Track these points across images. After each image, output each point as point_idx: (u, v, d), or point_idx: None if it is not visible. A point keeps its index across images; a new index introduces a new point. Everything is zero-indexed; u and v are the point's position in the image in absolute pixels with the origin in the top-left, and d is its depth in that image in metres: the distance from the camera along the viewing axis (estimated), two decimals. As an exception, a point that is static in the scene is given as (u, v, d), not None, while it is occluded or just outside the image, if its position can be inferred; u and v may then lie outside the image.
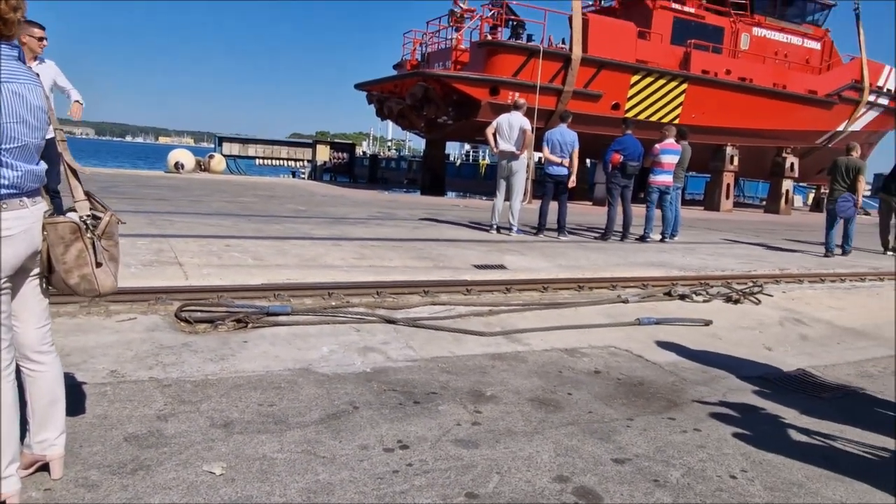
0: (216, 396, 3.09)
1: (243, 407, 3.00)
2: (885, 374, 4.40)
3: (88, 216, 2.15)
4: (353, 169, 27.42)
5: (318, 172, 25.82)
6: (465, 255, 7.01)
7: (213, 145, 25.57)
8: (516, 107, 9.36)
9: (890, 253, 10.45)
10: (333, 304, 4.72)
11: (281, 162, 26.91)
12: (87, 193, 2.19)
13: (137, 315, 4.11)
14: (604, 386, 3.71)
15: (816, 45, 22.31)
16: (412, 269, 6.01)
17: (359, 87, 21.18)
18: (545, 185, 9.70)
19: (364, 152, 60.29)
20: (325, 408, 3.06)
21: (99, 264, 2.12)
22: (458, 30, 19.37)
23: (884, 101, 22.99)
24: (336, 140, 41.05)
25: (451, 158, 54.43)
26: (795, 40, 21.74)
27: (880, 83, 22.73)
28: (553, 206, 9.61)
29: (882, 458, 2.99)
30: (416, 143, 71.38)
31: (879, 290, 7.29)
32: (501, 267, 6.60)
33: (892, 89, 23.35)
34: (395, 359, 3.84)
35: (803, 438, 3.15)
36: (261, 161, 26.26)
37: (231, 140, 25.31)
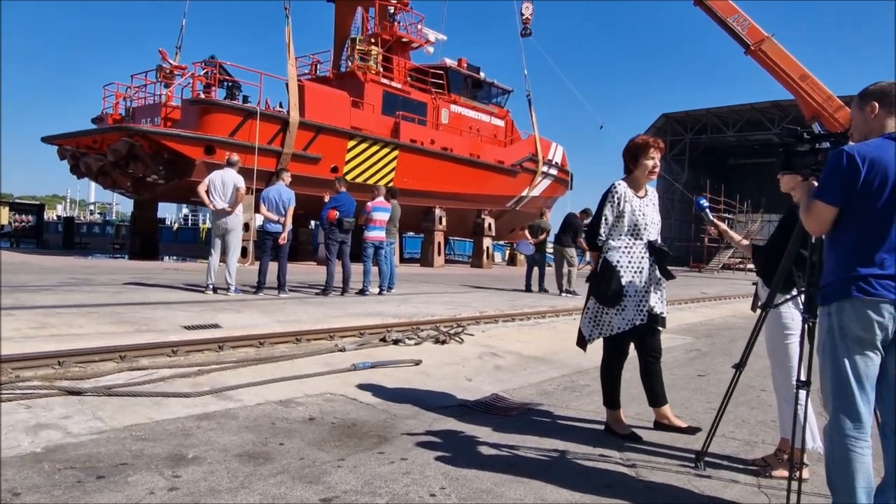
0: None
1: None
2: (558, 390, 5.17)
3: None
4: (41, 234, 23.71)
5: (-8, 238, 21.73)
6: (175, 317, 6.49)
7: None
8: (229, 163, 9.17)
9: (564, 294, 12.44)
10: (-3, 380, 3.94)
11: (-62, 226, 22.08)
12: None
13: None
14: (317, 432, 3.70)
15: (501, 123, 26.20)
16: (107, 336, 5.35)
17: (47, 140, 18.62)
18: (264, 242, 9.55)
19: (58, 216, 52.66)
20: (-28, 501, 2.51)
21: None
22: (167, 86, 18.42)
23: (553, 171, 27.76)
24: (20, 201, 35.24)
25: (168, 222, 50.52)
26: (485, 118, 25.26)
27: (550, 157, 27.47)
28: (274, 264, 9.49)
29: (552, 457, 3.47)
30: (125, 207, 64.55)
31: (556, 323, 8.60)
32: (215, 326, 6.26)
33: (559, 162, 28.36)
34: (76, 433, 3.34)
35: (493, 452, 3.52)
36: None
37: None
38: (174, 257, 21.82)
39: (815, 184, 2.56)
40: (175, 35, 20.35)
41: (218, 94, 17.54)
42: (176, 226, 50.02)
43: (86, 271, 11.93)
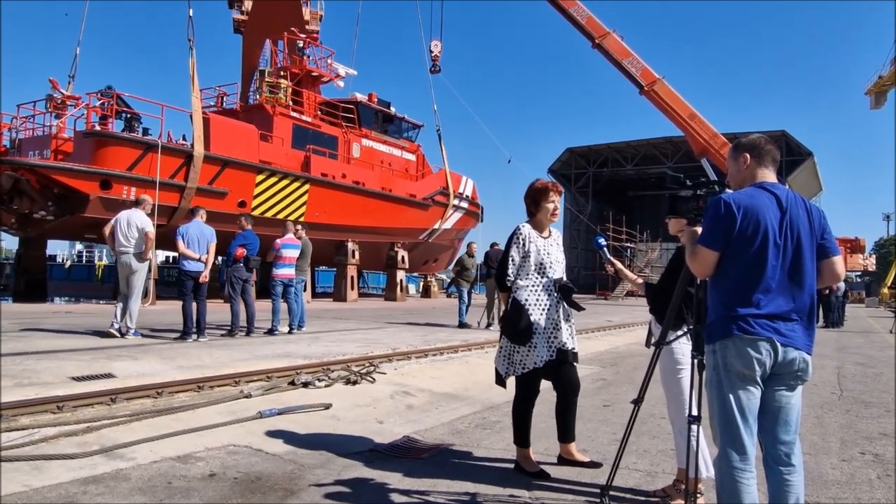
0: None
1: None
2: (470, 428, 5.18)
3: None
4: None
5: None
6: (62, 368, 6.02)
7: None
8: (137, 203, 8.83)
9: (490, 328, 12.51)
10: None
11: None
12: None
13: None
14: (218, 489, 3.51)
15: (412, 157, 26.50)
16: (-19, 393, 4.87)
17: (-85, 173, 17.01)
18: (184, 283, 8.99)
19: (-71, 255, 48.29)
20: None
21: None
22: (58, 117, 17.41)
23: (464, 204, 28.27)
24: None
25: (60, 259, 47.27)
26: (396, 152, 25.47)
27: (461, 190, 27.98)
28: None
29: (463, 501, 3.46)
30: (10, 244, 59.65)
31: (468, 358, 8.65)
32: (108, 376, 5.86)
33: (470, 195, 28.93)
34: (-61, 509, 3.00)
35: (404, 499, 3.46)
36: None
37: None
38: (65, 298, 20.39)
39: (698, 230, 2.74)
40: (68, 63, 19.29)
41: (115, 126, 16.77)
42: (69, 263, 46.93)
43: (-40, 317, 10.89)
